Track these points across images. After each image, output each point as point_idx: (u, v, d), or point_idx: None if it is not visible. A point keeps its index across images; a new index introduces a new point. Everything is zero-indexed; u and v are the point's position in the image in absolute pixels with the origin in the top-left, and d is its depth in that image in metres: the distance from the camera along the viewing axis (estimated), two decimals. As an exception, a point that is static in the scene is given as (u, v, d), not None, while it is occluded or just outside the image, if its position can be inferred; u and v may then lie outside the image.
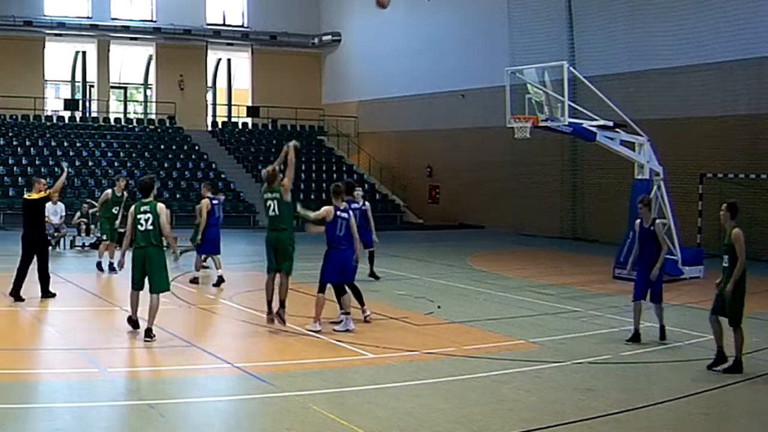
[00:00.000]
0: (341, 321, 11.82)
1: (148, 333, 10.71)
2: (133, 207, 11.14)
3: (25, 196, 14.53)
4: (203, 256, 16.68)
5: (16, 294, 13.40)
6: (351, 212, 11.90)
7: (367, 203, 16.83)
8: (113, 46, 38.77)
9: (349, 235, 11.65)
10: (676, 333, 12.03)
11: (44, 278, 13.78)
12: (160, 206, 10.99)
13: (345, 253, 11.64)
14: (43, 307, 13.29)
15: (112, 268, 17.14)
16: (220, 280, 15.94)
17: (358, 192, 16.46)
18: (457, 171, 34.03)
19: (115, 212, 17.71)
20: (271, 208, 11.65)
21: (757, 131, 22.84)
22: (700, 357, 10.65)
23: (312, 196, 35.18)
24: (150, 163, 34.81)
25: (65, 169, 16.16)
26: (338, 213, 11.60)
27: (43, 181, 14.58)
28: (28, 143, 34.22)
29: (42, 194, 14.02)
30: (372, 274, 17.21)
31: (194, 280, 16.16)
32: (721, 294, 9.81)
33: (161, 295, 10.95)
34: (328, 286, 11.69)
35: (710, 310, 9.99)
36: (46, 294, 13.77)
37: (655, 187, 18.35)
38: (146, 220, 10.84)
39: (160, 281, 10.89)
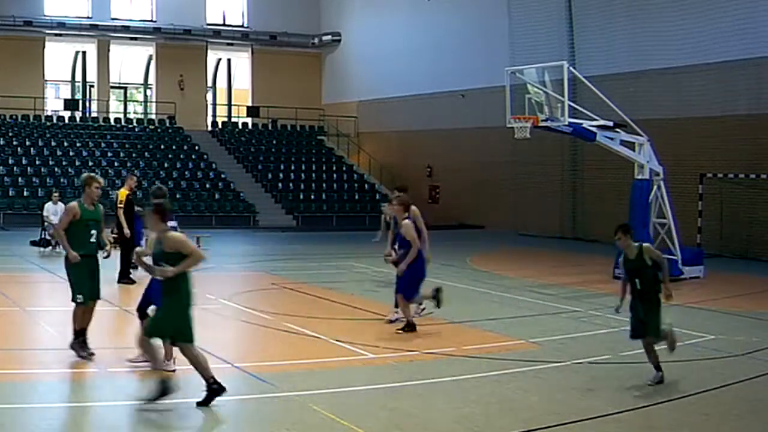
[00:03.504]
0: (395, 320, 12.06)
1: None
2: None
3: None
4: None
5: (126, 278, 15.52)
6: None
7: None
8: (113, 46, 38.78)
9: None
10: (675, 333, 11.99)
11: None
12: None
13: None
14: (43, 307, 13.29)
15: None
16: None
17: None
18: (457, 171, 34.01)
19: None
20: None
21: (757, 131, 22.82)
22: (700, 357, 10.65)
23: (312, 197, 35.25)
24: (150, 163, 34.81)
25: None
26: None
27: (135, 177, 17.16)
28: (28, 143, 34.22)
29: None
30: None
31: None
32: None
33: None
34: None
35: None
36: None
37: (655, 187, 18.35)
38: None
39: None
